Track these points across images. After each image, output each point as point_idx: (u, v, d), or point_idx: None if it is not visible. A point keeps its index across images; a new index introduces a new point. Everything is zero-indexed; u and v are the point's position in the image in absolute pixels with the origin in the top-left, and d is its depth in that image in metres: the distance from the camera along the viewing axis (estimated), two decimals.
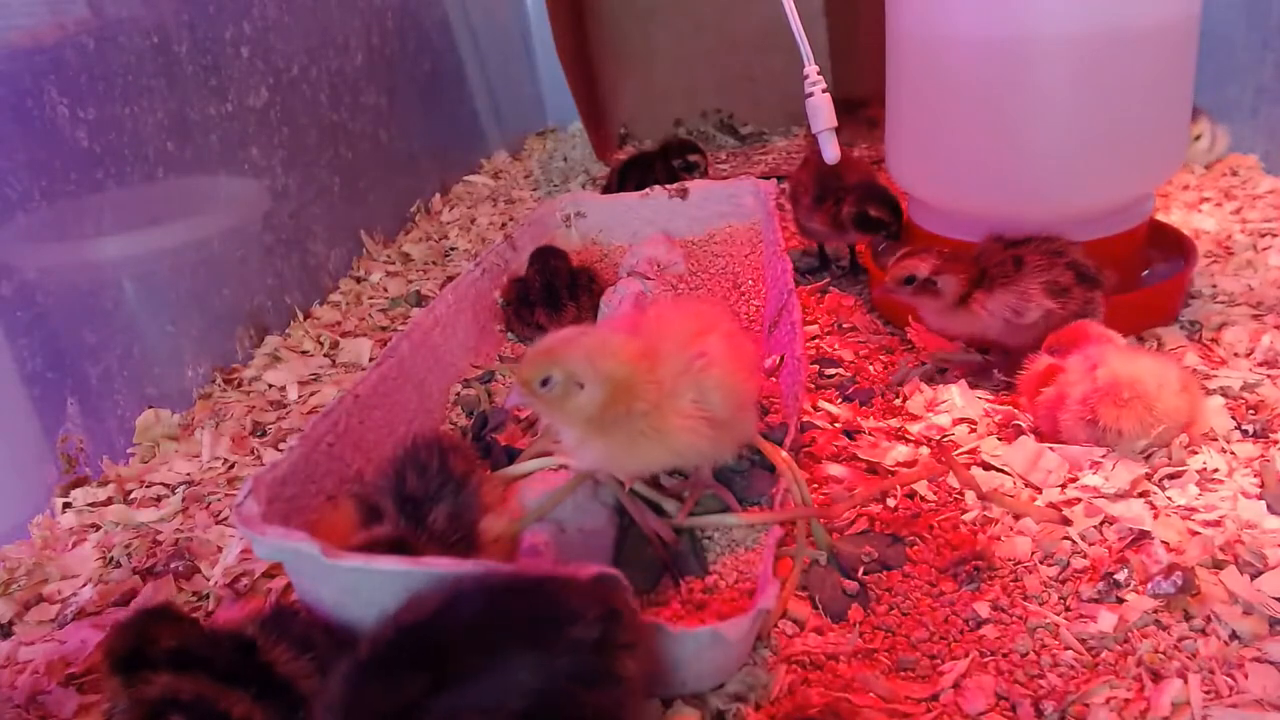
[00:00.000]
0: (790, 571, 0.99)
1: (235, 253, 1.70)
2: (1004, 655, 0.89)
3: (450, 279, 1.82)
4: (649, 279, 1.62)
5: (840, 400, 1.35)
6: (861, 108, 2.37)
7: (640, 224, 1.82)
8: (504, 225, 2.29)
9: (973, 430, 1.25)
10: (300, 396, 1.55)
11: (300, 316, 1.81)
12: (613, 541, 1.05)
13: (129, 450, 1.42)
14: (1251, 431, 1.17)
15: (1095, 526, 1.04)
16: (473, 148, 2.83)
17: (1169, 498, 1.07)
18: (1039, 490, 1.12)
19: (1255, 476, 1.09)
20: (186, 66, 1.60)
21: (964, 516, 1.08)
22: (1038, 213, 1.42)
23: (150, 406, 1.46)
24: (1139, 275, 1.53)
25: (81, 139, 1.38)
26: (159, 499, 1.30)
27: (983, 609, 0.94)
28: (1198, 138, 2.07)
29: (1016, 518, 1.07)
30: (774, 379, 1.32)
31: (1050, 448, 1.16)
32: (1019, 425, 1.23)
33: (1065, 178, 1.41)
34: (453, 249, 2.19)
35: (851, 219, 1.67)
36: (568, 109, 2.71)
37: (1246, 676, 0.83)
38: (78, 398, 1.35)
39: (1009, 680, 0.86)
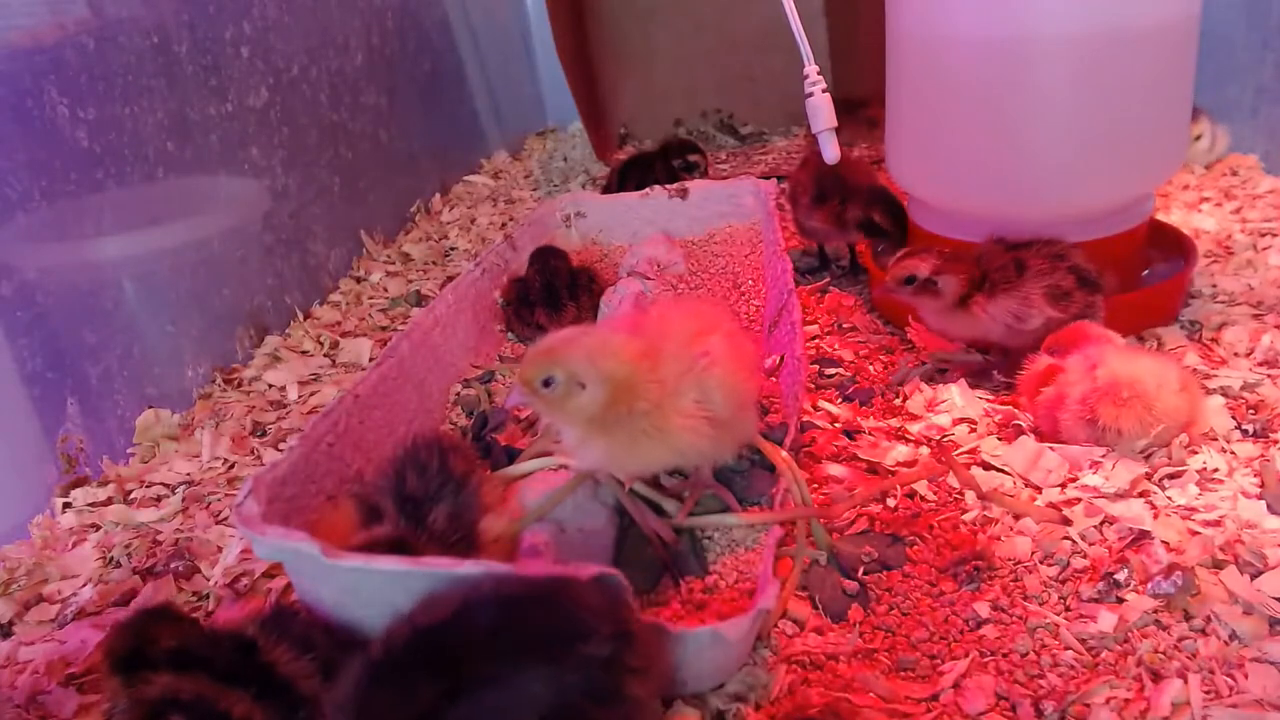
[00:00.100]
0: (790, 571, 0.99)
1: (235, 253, 1.70)
2: (1004, 655, 0.89)
3: (450, 279, 1.82)
4: (649, 279, 1.62)
5: (840, 400, 1.35)
6: (861, 108, 2.37)
7: (640, 224, 1.82)
8: (504, 225, 2.29)
9: (973, 430, 1.25)
10: (300, 396, 1.55)
11: (300, 316, 1.81)
12: (613, 541, 1.05)
13: (129, 450, 1.42)
14: (1251, 431, 1.17)
15: (1095, 526, 1.04)
16: (473, 148, 2.83)
17: (1169, 498, 1.07)
18: (1039, 490, 1.12)
19: (1255, 476, 1.09)
20: (186, 66, 1.60)
21: (964, 516, 1.08)
22: (1038, 213, 1.42)
23: (150, 406, 1.46)
24: (1139, 275, 1.53)
25: (81, 139, 1.38)
26: (159, 499, 1.30)
27: (983, 609, 0.94)
28: (1198, 138, 2.07)
29: (1016, 518, 1.07)
30: (774, 379, 1.32)
31: (1050, 447, 1.16)
32: (1019, 425, 1.23)
33: (1065, 178, 1.41)
34: (453, 249, 2.19)
35: (856, 223, 1.68)
36: (568, 109, 2.71)
37: (1246, 676, 0.83)
38: (78, 398, 1.35)
39: (1009, 680, 0.86)
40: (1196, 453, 1.13)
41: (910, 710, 0.84)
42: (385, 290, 1.95)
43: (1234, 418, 1.20)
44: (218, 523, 1.23)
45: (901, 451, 1.20)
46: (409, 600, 0.77)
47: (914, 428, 1.26)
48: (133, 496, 1.31)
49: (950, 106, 1.45)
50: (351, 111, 2.13)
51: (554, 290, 1.58)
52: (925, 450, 1.21)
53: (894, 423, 1.28)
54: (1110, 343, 1.20)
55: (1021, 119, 1.38)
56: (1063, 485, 1.12)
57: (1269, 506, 1.03)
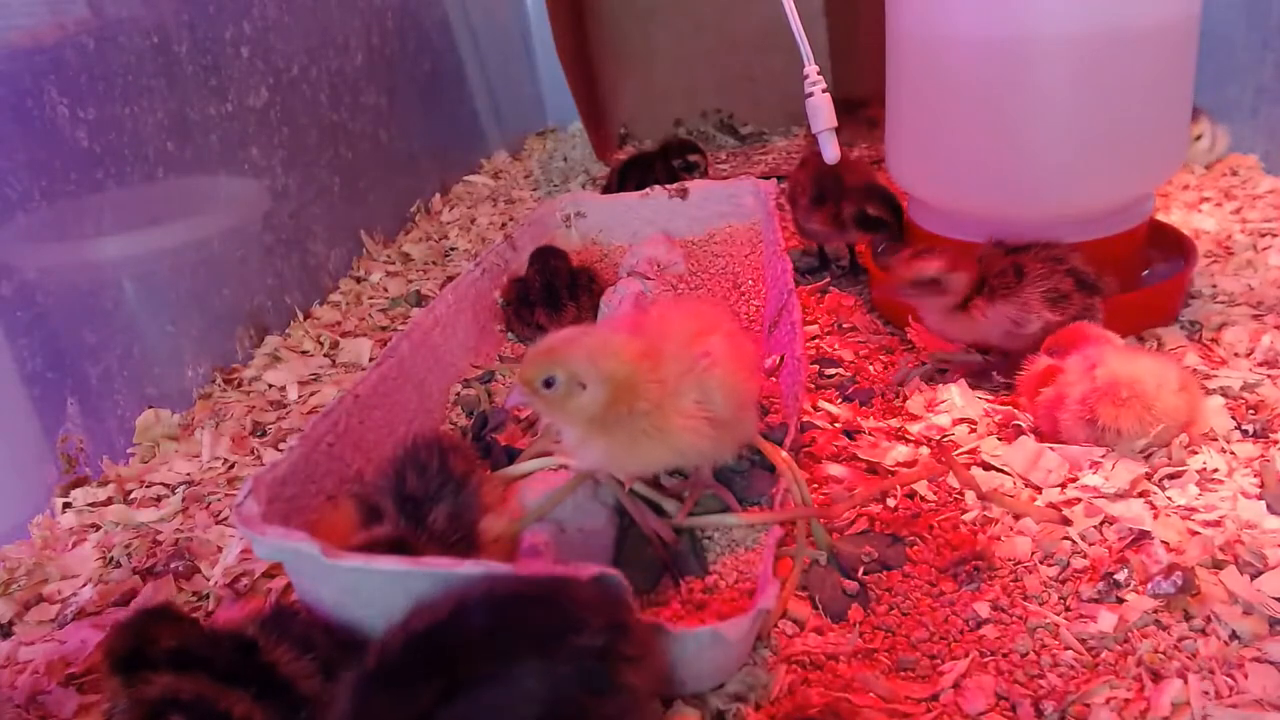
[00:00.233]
0: (790, 571, 0.99)
1: (235, 253, 1.70)
2: (1004, 655, 0.89)
3: (450, 279, 1.82)
4: (649, 279, 1.62)
5: (840, 400, 1.35)
6: (861, 108, 2.37)
7: (640, 224, 1.82)
8: (504, 225, 2.29)
9: (973, 430, 1.25)
10: (300, 396, 1.55)
11: (300, 316, 1.81)
12: (613, 541, 1.05)
13: (129, 450, 1.42)
14: (1251, 431, 1.17)
15: (1095, 526, 1.04)
16: (473, 148, 2.83)
17: (1169, 498, 1.07)
18: (1039, 490, 1.12)
19: (1255, 476, 1.09)
20: (186, 66, 1.60)
21: (964, 516, 1.08)
22: (1038, 213, 1.42)
23: (150, 406, 1.46)
24: (1139, 275, 1.53)
25: (81, 139, 1.38)
26: (159, 499, 1.30)
27: (983, 609, 0.94)
28: (1198, 138, 2.07)
29: (1016, 518, 1.07)
30: (774, 379, 1.32)
31: (1050, 448, 1.16)
32: (1019, 425, 1.23)
33: (1065, 178, 1.41)
34: (453, 249, 2.19)
35: (853, 218, 1.68)
36: (568, 109, 2.71)
37: (1246, 676, 0.83)
38: (78, 398, 1.35)
39: (1009, 680, 0.86)
40: (1196, 453, 1.13)
41: (910, 710, 0.84)
42: (385, 290, 1.95)
43: (1234, 418, 1.20)
44: (218, 523, 1.23)
45: (901, 451, 1.20)
46: (409, 600, 0.77)
47: (914, 428, 1.26)
48: (133, 496, 1.31)
49: (950, 106, 1.45)
50: (351, 111, 2.13)
51: (554, 290, 1.58)
52: (925, 450, 1.21)
53: (894, 423, 1.28)
54: (1109, 343, 1.20)
55: (1021, 119, 1.38)
56: (1063, 485, 1.12)
57: (1269, 506, 1.03)
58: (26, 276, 1.30)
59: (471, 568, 0.80)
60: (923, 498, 1.12)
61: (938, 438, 1.24)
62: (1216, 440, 1.16)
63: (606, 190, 2.17)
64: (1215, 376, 1.29)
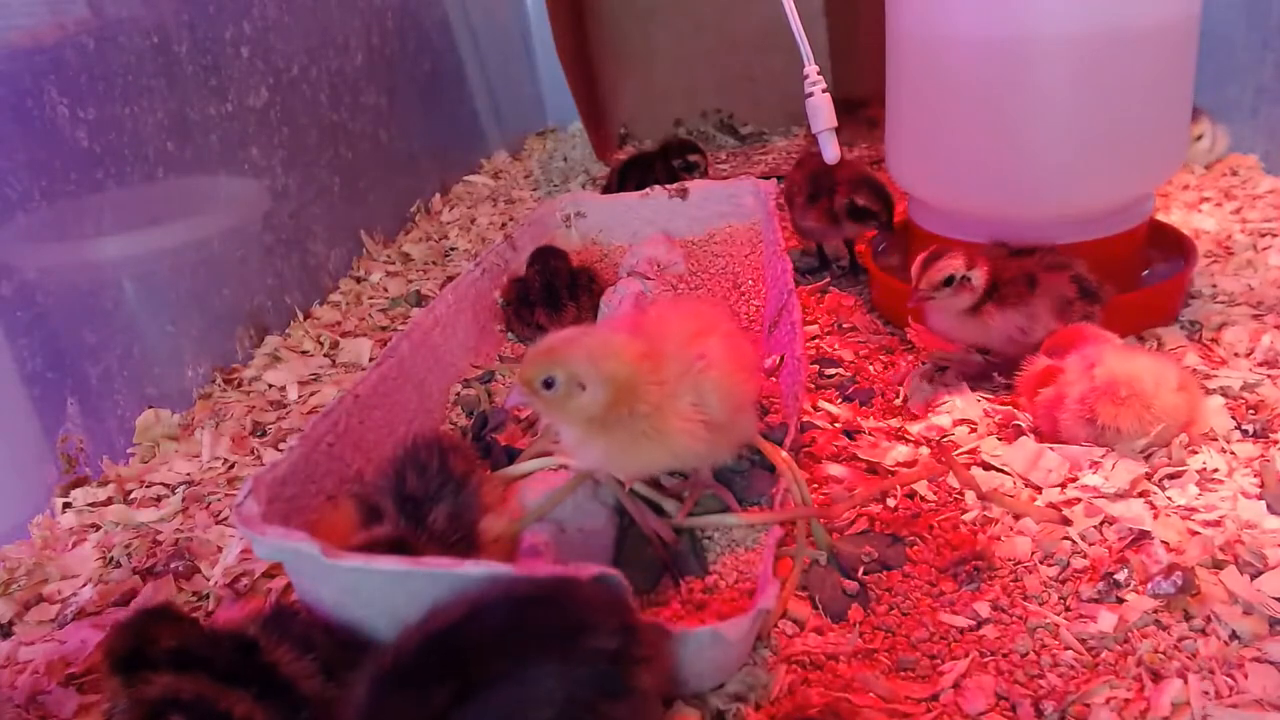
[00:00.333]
0: (790, 571, 0.99)
1: (235, 253, 1.70)
2: (1004, 655, 0.89)
3: (450, 279, 1.82)
4: (649, 279, 1.62)
5: (840, 400, 1.35)
6: (861, 108, 2.37)
7: (640, 224, 1.82)
8: (504, 225, 2.29)
9: (973, 430, 1.25)
10: (300, 396, 1.55)
11: (300, 316, 1.81)
12: (613, 541, 1.05)
13: (129, 450, 1.42)
14: (1251, 431, 1.17)
15: (1095, 526, 1.03)
16: (473, 148, 2.83)
17: (1169, 498, 1.07)
18: (1039, 490, 1.12)
19: (1255, 476, 1.09)
20: (186, 66, 1.60)
21: (964, 516, 1.08)
22: (1038, 213, 1.42)
23: (150, 406, 1.46)
24: (1139, 275, 1.53)
25: (81, 139, 1.38)
26: (159, 499, 1.30)
27: (983, 609, 0.94)
28: (1198, 138, 2.07)
29: (1016, 518, 1.07)
30: (774, 379, 1.32)
31: (1050, 448, 1.16)
32: (1019, 425, 1.23)
33: (1065, 178, 1.40)
34: (453, 249, 2.19)
35: (844, 209, 1.68)
36: (568, 109, 2.71)
37: (1246, 676, 0.83)
38: (78, 398, 1.35)
39: (1009, 680, 0.86)
40: (1196, 453, 1.13)
41: (910, 710, 0.84)
42: (385, 290, 1.95)
43: (1234, 418, 1.20)
44: (218, 523, 1.23)
45: (901, 451, 1.20)
46: (409, 600, 0.77)
47: (914, 428, 1.26)
48: (133, 496, 1.31)
49: (950, 106, 1.45)
50: (351, 111, 2.13)
51: (554, 290, 1.58)
52: (925, 450, 1.21)
53: (894, 423, 1.28)
54: (1108, 343, 1.20)
55: (1021, 119, 1.38)
56: (1063, 485, 1.12)
57: (1269, 506, 1.03)
58: (26, 276, 1.30)
59: (471, 568, 0.80)
60: (923, 498, 1.12)
61: (938, 438, 1.24)
62: (1216, 440, 1.16)
63: (606, 190, 2.17)
64: (1215, 376, 1.29)
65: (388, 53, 2.32)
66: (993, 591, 0.97)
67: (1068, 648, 0.89)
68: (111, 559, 1.17)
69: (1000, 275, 1.29)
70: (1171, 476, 1.10)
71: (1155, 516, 1.04)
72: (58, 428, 1.32)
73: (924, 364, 1.41)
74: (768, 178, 1.80)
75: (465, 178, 2.68)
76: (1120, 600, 0.93)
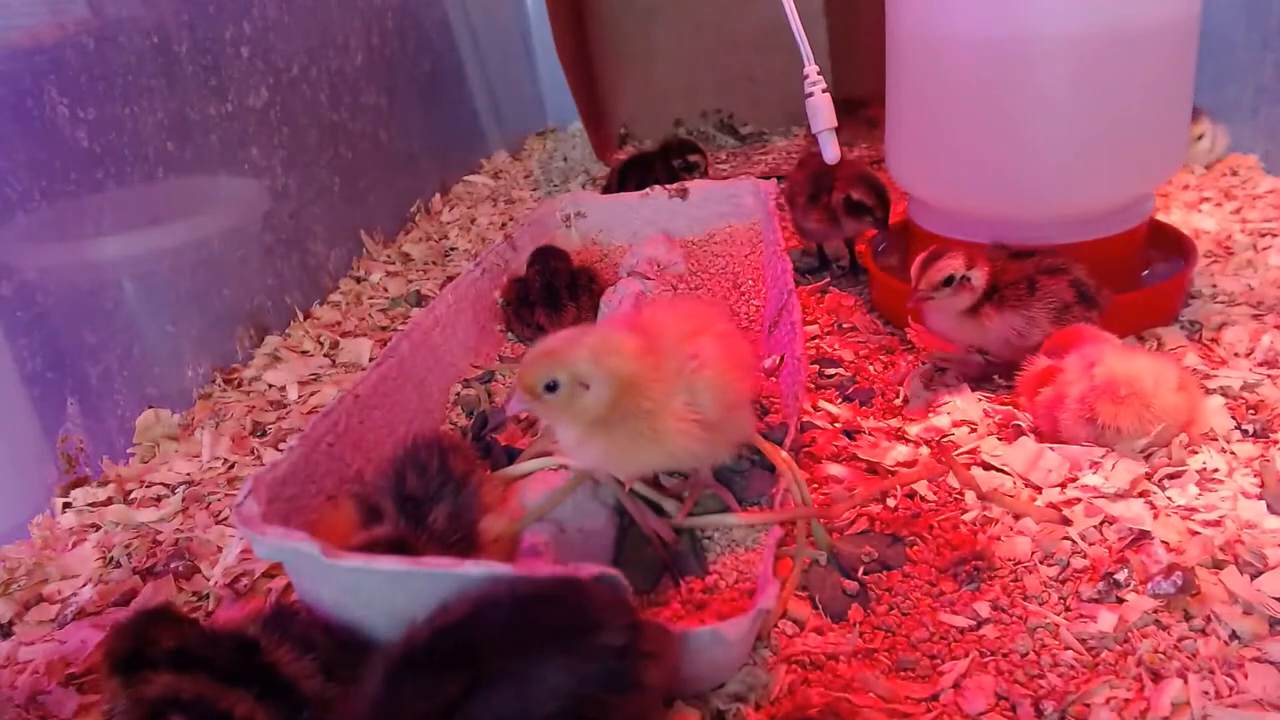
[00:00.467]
0: (790, 571, 0.99)
1: (235, 253, 1.70)
2: (1004, 655, 0.89)
3: (450, 279, 1.82)
4: (649, 279, 1.62)
5: (840, 400, 1.35)
6: (861, 108, 2.37)
7: (640, 224, 1.82)
8: (504, 225, 2.29)
9: (973, 430, 1.25)
10: (300, 396, 1.55)
11: (300, 316, 1.81)
12: (613, 541, 1.05)
13: (129, 450, 1.42)
14: (1251, 431, 1.17)
15: (1095, 526, 1.03)
16: (473, 148, 2.83)
17: (1169, 498, 1.07)
18: (1039, 490, 1.12)
19: (1255, 476, 1.09)
20: (186, 66, 1.60)
21: (964, 516, 1.08)
22: (1038, 213, 1.42)
23: (150, 406, 1.46)
24: (1139, 275, 1.53)
25: (81, 139, 1.38)
26: (159, 499, 1.30)
27: (983, 609, 0.94)
28: (1198, 138, 2.07)
29: (1016, 518, 1.07)
30: (774, 379, 1.32)
31: (1050, 447, 1.16)
32: (1019, 425, 1.23)
33: (1065, 178, 1.41)
34: (453, 249, 2.19)
35: (841, 204, 1.68)
36: (568, 109, 2.71)
37: (1246, 676, 0.83)
38: (78, 398, 1.35)
39: (1009, 680, 0.86)
40: (1196, 453, 1.13)
41: (910, 710, 0.84)
42: (385, 290, 1.95)
43: (1234, 418, 1.20)
44: (218, 523, 1.23)
45: (901, 451, 1.20)
46: (409, 600, 0.78)
47: (914, 428, 1.26)
48: (133, 496, 1.31)
49: (950, 106, 1.45)
50: (351, 111, 2.13)
51: (554, 290, 1.58)
52: (925, 450, 1.21)
53: (894, 423, 1.28)
54: (1107, 343, 1.20)
55: (1021, 119, 1.38)
56: (1063, 485, 1.12)
57: (1269, 506, 1.03)
58: (26, 276, 1.30)
59: (472, 568, 0.80)
60: (923, 498, 1.12)
61: (938, 438, 1.24)
62: (1216, 440, 1.16)
63: (606, 190, 2.17)
64: (1215, 376, 1.29)
65: (388, 53, 2.32)
66: (993, 591, 0.97)
67: (1068, 648, 0.89)
68: (111, 559, 1.17)
69: (1000, 278, 1.29)
70: (1171, 476, 1.10)
71: (1155, 516, 1.04)
72: (58, 428, 1.32)
73: (924, 364, 1.41)
74: (768, 178, 1.80)
75: (465, 178, 2.68)
76: (1120, 600, 0.93)
